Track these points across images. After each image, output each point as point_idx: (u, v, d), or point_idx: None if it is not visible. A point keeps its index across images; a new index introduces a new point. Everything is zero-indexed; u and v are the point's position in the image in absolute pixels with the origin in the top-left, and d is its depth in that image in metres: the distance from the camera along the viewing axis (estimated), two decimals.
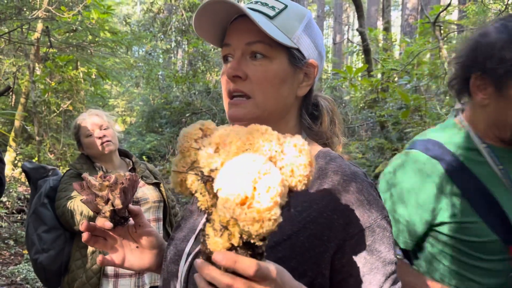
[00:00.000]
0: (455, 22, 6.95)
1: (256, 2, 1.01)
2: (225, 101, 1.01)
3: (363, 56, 7.75)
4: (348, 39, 13.04)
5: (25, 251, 5.48)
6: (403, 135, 6.52)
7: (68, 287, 2.36)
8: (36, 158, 7.67)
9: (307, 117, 1.06)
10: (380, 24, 16.94)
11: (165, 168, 10.83)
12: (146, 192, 2.53)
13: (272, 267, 0.67)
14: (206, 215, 0.72)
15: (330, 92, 10.22)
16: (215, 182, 0.65)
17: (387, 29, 10.25)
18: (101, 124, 2.57)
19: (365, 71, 6.58)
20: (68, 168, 2.57)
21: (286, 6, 1.00)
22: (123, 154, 2.73)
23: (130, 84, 16.43)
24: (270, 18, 0.97)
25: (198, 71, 12.58)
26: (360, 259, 0.88)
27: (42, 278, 2.45)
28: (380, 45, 10.03)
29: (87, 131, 2.54)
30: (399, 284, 0.92)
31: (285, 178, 0.68)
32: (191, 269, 0.94)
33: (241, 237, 0.64)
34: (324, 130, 1.08)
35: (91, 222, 0.96)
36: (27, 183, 7.81)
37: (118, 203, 0.94)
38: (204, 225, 0.71)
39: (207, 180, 0.69)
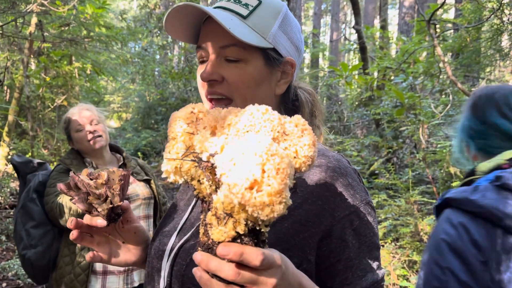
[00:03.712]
0: (450, 21, 6.96)
1: (229, 0, 0.98)
2: (205, 104, 1.00)
3: (359, 54, 7.75)
4: (345, 37, 13.03)
5: None
6: (398, 133, 6.52)
7: (56, 284, 2.34)
8: (30, 153, 7.62)
9: (284, 113, 1.05)
10: (377, 22, 16.94)
11: (160, 165, 10.80)
12: (136, 188, 2.49)
13: (276, 255, 0.65)
14: (204, 204, 0.68)
15: (326, 90, 10.21)
16: (218, 168, 0.61)
17: (383, 27, 10.25)
18: (92, 119, 2.52)
19: (361, 69, 6.58)
20: (57, 163, 2.54)
21: (260, 3, 0.98)
22: (114, 149, 2.69)
23: (126, 80, 16.37)
24: (244, 17, 0.95)
25: (195, 68, 12.53)
26: (347, 244, 0.88)
27: (30, 274, 2.43)
28: (377, 43, 10.03)
29: (77, 125, 2.50)
30: (383, 270, 0.93)
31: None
32: (175, 264, 0.92)
33: (246, 224, 0.61)
34: None
35: (79, 219, 0.94)
36: None
37: (117, 200, 0.91)
38: (205, 214, 0.67)
39: (206, 166, 0.65)
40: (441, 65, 4.81)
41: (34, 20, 6.73)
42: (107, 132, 2.59)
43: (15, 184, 7.16)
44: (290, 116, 1.06)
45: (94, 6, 6.66)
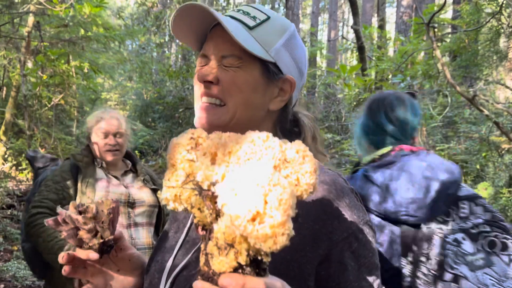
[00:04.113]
0: (448, 21, 6.96)
1: (238, 11, 0.99)
2: (197, 107, 0.99)
3: (357, 53, 7.74)
4: (342, 36, 13.03)
5: (15, 247, 5.43)
6: None
7: (57, 279, 2.35)
8: None
9: (280, 134, 1.03)
10: (375, 20, 16.94)
11: (157, 163, 10.80)
12: (143, 194, 2.51)
13: (278, 284, 0.65)
14: (204, 232, 0.67)
15: (324, 89, 10.21)
16: (219, 197, 0.60)
17: (381, 26, 10.25)
18: (118, 131, 2.50)
19: (359, 69, 6.57)
20: (67, 157, 2.53)
21: (268, 18, 0.98)
22: (127, 155, 2.68)
23: (123, 78, 16.32)
24: (249, 28, 0.95)
25: (192, 66, 12.50)
26: (346, 267, 0.87)
27: (30, 266, 2.46)
28: (374, 42, 10.03)
29: (102, 131, 2.47)
30: None
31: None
32: None
33: (248, 255, 0.60)
34: (306, 145, 1.06)
35: (70, 252, 0.90)
36: (17, 177, 7.75)
37: (107, 235, 0.89)
38: (206, 244, 0.66)
39: (207, 195, 0.64)
40: (439, 66, 4.81)
41: (31, 19, 6.69)
42: (126, 146, 2.57)
43: (12, 184, 7.14)
44: (290, 140, 1.06)
45: (92, 5, 6.62)
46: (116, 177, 2.51)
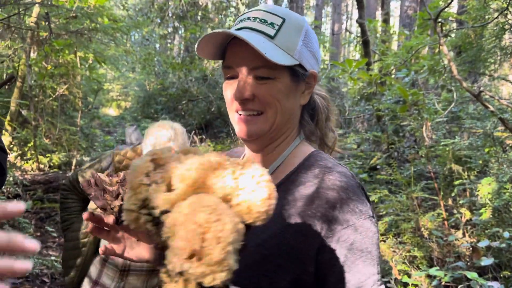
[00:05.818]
0: (454, 15, 6.96)
1: (255, 19, 1.01)
2: (233, 117, 1.04)
3: (361, 47, 7.74)
4: (346, 29, 13.00)
5: None
6: (399, 127, 6.54)
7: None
8: (32, 143, 7.63)
9: (308, 120, 1.12)
10: (379, 14, 16.87)
11: None
12: None
13: None
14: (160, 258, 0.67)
15: (327, 83, 10.21)
16: (164, 230, 0.60)
17: (386, 20, 10.23)
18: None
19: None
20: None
21: (284, 20, 1.01)
22: None
23: (126, 69, 16.30)
24: (271, 37, 0.98)
25: (195, 58, 12.49)
26: (341, 257, 0.91)
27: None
28: (378, 35, 10.02)
29: (148, 149, 2.45)
30: (382, 287, 0.93)
31: (242, 215, 0.63)
32: None
33: (198, 283, 0.59)
34: (320, 128, 1.15)
35: (96, 214, 0.95)
36: (22, 167, 7.78)
37: None
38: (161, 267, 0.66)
39: (158, 222, 0.64)
40: (446, 61, 4.83)
41: (36, 10, 6.69)
42: None
43: (17, 174, 7.18)
44: (312, 119, 1.13)
45: None
46: None
